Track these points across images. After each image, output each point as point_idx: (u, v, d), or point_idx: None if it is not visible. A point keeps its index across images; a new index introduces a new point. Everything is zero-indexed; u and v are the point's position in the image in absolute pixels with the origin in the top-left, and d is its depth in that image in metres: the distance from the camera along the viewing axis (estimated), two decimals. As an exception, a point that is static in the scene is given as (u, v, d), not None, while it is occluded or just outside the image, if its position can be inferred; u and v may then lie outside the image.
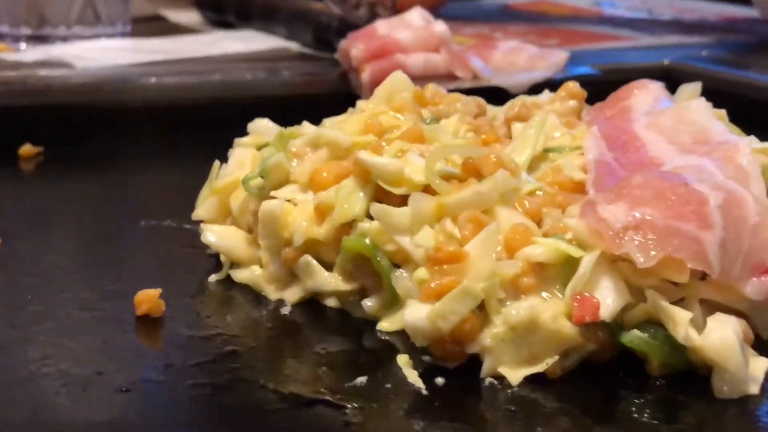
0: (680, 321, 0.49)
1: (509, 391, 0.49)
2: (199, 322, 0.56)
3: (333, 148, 0.61)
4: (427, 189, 0.56)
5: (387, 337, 0.55)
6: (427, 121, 0.67)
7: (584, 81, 0.88)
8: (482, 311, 0.51)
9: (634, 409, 0.49)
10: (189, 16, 1.42)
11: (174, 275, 0.63)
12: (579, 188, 0.58)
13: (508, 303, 0.51)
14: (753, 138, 0.65)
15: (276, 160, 0.61)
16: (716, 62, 1.16)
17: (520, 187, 0.57)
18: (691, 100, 0.72)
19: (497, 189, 0.55)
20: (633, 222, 0.51)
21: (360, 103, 0.69)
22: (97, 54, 1.09)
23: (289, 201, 0.60)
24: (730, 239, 0.52)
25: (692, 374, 0.50)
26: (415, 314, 0.50)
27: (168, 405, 0.48)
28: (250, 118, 0.72)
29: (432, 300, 0.50)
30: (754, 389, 0.49)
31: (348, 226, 0.57)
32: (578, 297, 0.50)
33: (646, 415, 0.48)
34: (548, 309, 0.50)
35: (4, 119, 0.90)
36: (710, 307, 0.52)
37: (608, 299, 0.50)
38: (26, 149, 0.89)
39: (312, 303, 0.59)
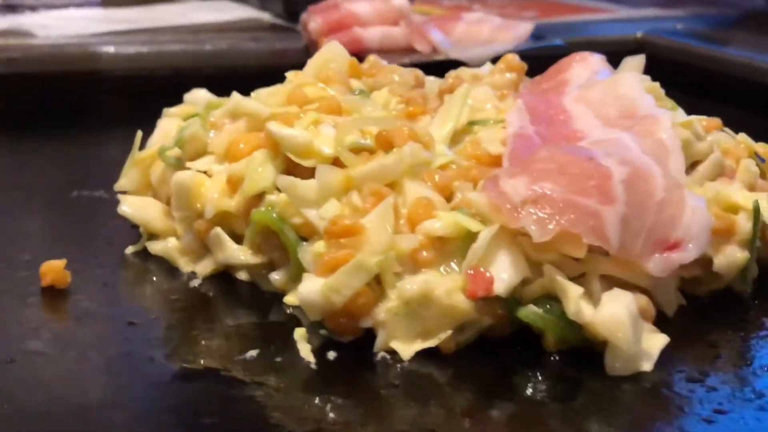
0: (572, 296, 0.49)
1: (399, 365, 0.49)
2: (104, 293, 0.56)
3: (251, 120, 0.60)
4: (338, 162, 0.56)
5: (292, 311, 0.54)
6: (356, 93, 0.66)
7: (550, 53, 0.88)
8: (380, 285, 0.51)
9: (528, 384, 0.48)
10: (168, -14, 1.41)
11: (91, 246, 0.62)
12: (496, 162, 0.58)
13: (406, 277, 0.50)
14: (679, 112, 0.64)
15: (192, 130, 0.60)
16: (691, 36, 1.15)
17: (432, 161, 0.56)
18: (633, 71, 0.71)
19: (403, 162, 0.54)
20: (532, 196, 0.50)
21: (289, 74, 0.68)
22: (64, 23, 1.09)
23: (205, 172, 0.59)
24: (634, 215, 0.51)
25: (589, 351, 0.50)
26: (309, 288, 0.50)
27: (53, 378, 0.47)
28: (211, 89, 0.71)
29: (327, 273, 0.50)
30: (647, 366, 0.48)
31: (258, 198, 0.56)
32: (471, 272, 0.49)
33: (539, 390, 0.47)
34: (442, 284, 0.50)
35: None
36: (614, 283, 0.51)
37: (504, 274, 0.50)
38: (-23, 119, 0.89)
39: (224, 276, 0.58)
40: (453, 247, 0.51)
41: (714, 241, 0.55)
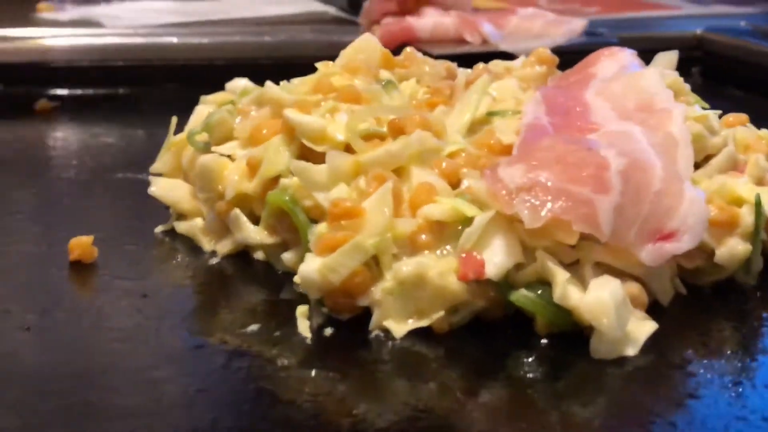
0: (559, 281, 0.50)
1: (392, 343, 0.51)
2: (128, 269, 0.59)
3: (275, 107, 0.63)
4: (350, 148, 0.58)
5: (301, 290, 0.56)
6: (383, 83, 0.68)
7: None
8: (378, 266, 0.53)
9: (516, 365, 0.50)
10: (242, -20, 1.45)
11: (124, 225, 0.66)
12: (508, 151, 0.59)
13: (403, 259, 0.52)
14: (695, 107, 0.65)
15: (219, 116, 0.63)
16: (753, 34, 1.14)
17: (442, 148, 0.58)
18: (666, 68, 0.72)
19: (409, 148, 0.56)
20: (527, 183, 0.52)
21: (320, 65, 0.70)
22: (134, 14, 1.13)
23: (229, 157, 0.62)
24: (629, 204, 0.52)
25: (578, 335, 0.51)
26: (309, 266, 0.52)
27: (62, 344, 0.50)
28: (269, 78, 0.74)
29: (326, 253, 0.52)
30: (632, 351, 0.50)
31: (275, 181, 0.59)
32: (463, 255, 0.51)
33: (526, 371, 0.49)
34: (436, 266, 0.51)
35: (23, 75, 0.94)
36: (610, 271, 0.53)
37: (496, 258, 0.51)
38: (42, 104, 0.93)
39: (243, 255, 0.61)
40: (451, 231, 0.53)
41: (716, 233, 0.56)
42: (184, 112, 0.69)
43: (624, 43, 1.03)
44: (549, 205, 0.51)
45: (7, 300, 0.54)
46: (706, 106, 0.67)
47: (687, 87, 0.68)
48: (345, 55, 0.71)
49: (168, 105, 0.94)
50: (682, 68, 0.71)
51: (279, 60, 1.02)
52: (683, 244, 0.52)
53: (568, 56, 0.80)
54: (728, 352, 0.51)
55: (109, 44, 1.01)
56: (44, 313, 0.53)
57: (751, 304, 0.56)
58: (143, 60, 1.01)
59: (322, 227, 0.54)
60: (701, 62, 1.12)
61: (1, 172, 0.77)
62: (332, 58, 0.72)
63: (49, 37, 1.00)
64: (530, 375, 0.49)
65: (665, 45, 0.81)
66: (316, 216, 0.57)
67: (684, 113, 0.61)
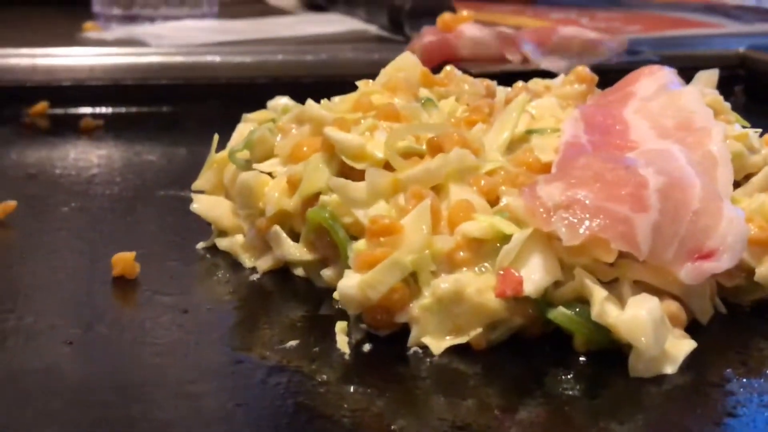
0: (597, 299, 0.50)
1: (429, 360, 0.51)
2: (170, 284, 0.60)
3: (315, 124, 0.63)
4: (389, 166, 0.58)
5: (340, 306, 0.57)
6: (422, 101, 0.68)
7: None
8: (417, 283, 0.53)
9: (554, 382, 0.50)
10: (287, 0, 1.46)
11: (166, 242, 0.67)
12: (546, 169, 0.59)
13: (442, 276, 0.53)
14: (735, 126, 0.64)
15: (260, 134, 0.64)
16: (796, 52, 1.14)
17: (481, 166, 0.58)
18: (706, 86, 0.72)
19: (448, 166, 0.56)
20: (565, 201, 0.52)
21: (360, 83, 0.71)
22: (178, 33, 1.14)
23: (270, 174, 0.63)
24: (667, 223, 0.52)
25: (617, 353, 0.51)
26: (348, 283, 0.53)
27: (105, 359, 0.51)
28: (310, 96, 0.75)
29: (365, 270, 0.53)
30: (670, 369, 0.50)
31: (315, 198, 0.59)
32: (501, 272, 0.51)
33: (564, 388, 0.49)
34: (474, 282, 0.52)
35: (68, 94, 0.96)
36: (649, 290, 0.53)
37: (534, 275, 0.51)
38: (87, 122, 0.94)
39: (283, 272, 0.61)
40: (489, 248, 0.53)
41: (756, 252, 0.56)
42: (226, 130, 0.70)
43: (665, 61, 1.03)
44: (587, 223, 0.51)
45: (52, 315, 0.55)
46: (747, 124, 0.67)
47: (727, 105, 0.68)
48: (385, 73, 0.71)
49: (210, 123, 0.95)
50: (725, 87, 0.71)
51: (320, 78, 1.03)
52: (722, 263, 0.52)
53: (609, 75, 0.81)
54: (767, 371, 0.50)
55: (153, 63, 1.02)
56: (87, 328, 0.54)
57: (791, 324, 0.56)
58: (186, 78, 1.02)
59: (361, 244, 0.54)
60: (744, 80, 1.12)
61: (47, 189, 0.78)
62: (373, 76, 0.72)
63: (94, 56, 1.02)
64: (568, 392, 0.49)
65: (707, 63, 0.81)
66: (355, 233, 0.57)
67: (723, 132, 0.61)
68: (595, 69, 0.93)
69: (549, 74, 0.94)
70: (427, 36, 1.02)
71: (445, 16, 1.05)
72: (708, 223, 0.53)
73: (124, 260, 0.60)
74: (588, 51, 1.01)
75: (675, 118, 0.64)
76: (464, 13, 1.06)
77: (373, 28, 1.22)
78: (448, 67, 0.78)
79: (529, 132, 0.64)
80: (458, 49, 0.97)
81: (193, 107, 1.01)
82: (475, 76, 0.89)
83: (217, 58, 1.03)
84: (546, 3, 1.49)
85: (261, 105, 0.77)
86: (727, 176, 0.58)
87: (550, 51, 1.01)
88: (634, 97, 0.69)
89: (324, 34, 1.18)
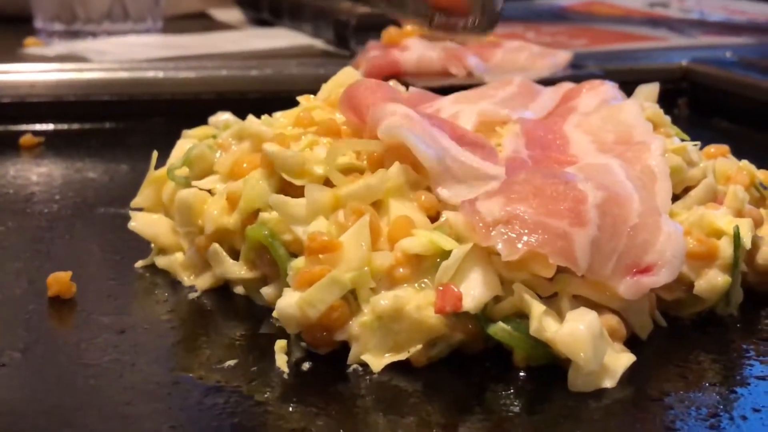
0: (535, 314, 0.50)
1: (369, 377, 0.51)
2: (107, 304, 0.59)
3: (255, 140, 0.63)
4: (329, 182, 0.58)
5: (281, 324, 0.56)
6: (365, 116, 0.68)
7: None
8: (357, 300, 0.53)
9: (494, 398, 0.49)
10: (232, 15, 1.46)
11: (103, 260, 0.66)
12: (487, 184, 0.59)
13: (382, 292, 0.52)
14: (674, 139, 0.65)
15: (198, 150, 0.63)
16: (738, 65, 1.15)
17: (421, 181, 0.58)
18: (647, 100, 0.72)
19: (387, 182, 0.56)
20: (504, 216, 0.52)
21: (301, 98, 0.71)
22: (121, 49, 1.13)
23: (209, 191, 0.62)
24: (606, 238, 0.52)
25: (558, 367, 0.51)
26: (287, 301, 0.52)
27: (38, 381, 0.50)
28: (255, 112, 0.74)
29: (303, 288, 0.52)
30: (610, 383, 0.50)
31: (255, 215, 0.59)
32: (440, 288, 0.51)
33: (504, 405, 0.49)
34: (414, 299, 0.51)
35: (8, 110, 0.94)
36: (589, 305, 0.52)
37: (474, 291, 0.51)
38: (27, 139, 0.93)
39: (223, 290, 0.61)
40: (429, 264, 0.53)
41: (695, 265, 0.56)
42: (170, 147, 0.69)
43: (610, 75, 1.03)
44: (525, 238, 0.51)
45: (-16, 336, 0.54)
46: (686, 137, 0.68)
47: (667, 119, 0.69)
48: (326, 88, 0.71)
49: (154, 139, 0.94)
50: (669, 99, 0.72)
51: (266, 94, 1.02)
52: (661, 277, 0.52)
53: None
54: (706, 384, 0.51)
55: (95, 79, 1.01)
56: (20, 350, 0.53)
57: (731, 335, 0.56)
58: (129, 94, 1.01)
59: (299, 261, 0.54)
60: (688, 93, 1.13)
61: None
62: (318, 91, 0.72)
63: (35, 72, 1.01)
64: (508, 408, 0.49)
65: (651, 76, 0.81)
66: (295, 250, 0.57)
67: (662, 146, 0.61)
68: (540, 83, 0.94)
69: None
70: (372, 51, 1.02)
71: (391, 31, 1.05)
72: (646, 237, 0.53)
73: (60, 280, 0.59)
74: (533, 65, 1.01)
75: (615, 132, 0.65)
76: (409, 28, 1.06)
77: (319, 43, 1.21)
78: (391, 82, 0.77)
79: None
80: (403, 63, 0.97)
81: (137, 124, 1.00)
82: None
83: (160, 74, 1.02)
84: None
85: (205, 121, 0.76)
86: (665, 191, 0.59)
87: (494, 65, 1.01)
88: (575, 111, 0.69)
89: (270, 49, 1.17)
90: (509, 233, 0.51)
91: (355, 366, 0.52)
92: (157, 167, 0.67)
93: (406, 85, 0.82)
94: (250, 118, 0.67)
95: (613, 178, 0.57)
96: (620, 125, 0.65)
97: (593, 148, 0.63)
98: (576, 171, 0.58)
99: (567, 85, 0.72)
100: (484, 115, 0.65)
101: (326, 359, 0.52)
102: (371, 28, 1.12)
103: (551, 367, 0.51)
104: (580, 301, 0.53)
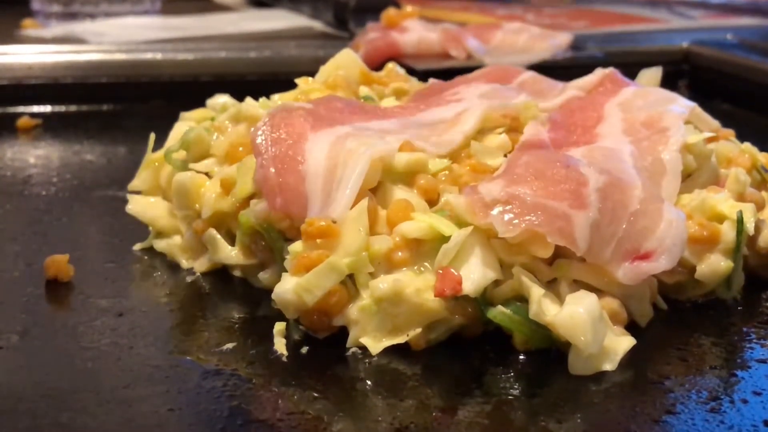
0: (534, 297, 0.50)
1: (368, 360, 0.50)
2: (105, 287, 0.59)
3: (252, 123, 0.62)
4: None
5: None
6: (362, 99, 0.68)
7: (586, 63, 0.89)
8: (355, 285, 0.52)
9: (494, 381, 0.49)
10: (232, -4, 1.45)
11: (102, 243, 0.65)
12: (493, 171, 0.58)
13: (381, 277, 0.52)
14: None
15: (196, 133, 0.63)
16: (739, 47, 1.14)
17: (422, 166, 0.57)
18: (650, 84, 0.72)
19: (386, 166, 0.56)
20: (504, 197, 0.52)
21: (299, 80, 0.70)
22: (119, 31, 1.13)
23: (207, 174, 0.62)
24: (606, 222, 0.52)
25: (557, 350, 0.51)
26: (284, 287, 0.52)
27: (36, 365, 0.50)
28: (254, 94, 0.74)
29: (301, 273, 0.52)
30: (610, 367, 0.49)
31: (249, 200, 0.58)
32: (441, 271, 0.51)
33: (504, 387, 0.48)
34: (413, 283, 0.51)
35: (6, 92, 0.94)
36: (590, 290, 0.52)
37: (474, 274, 0.51)
38: (24, 121, 0.93)
39: (221, 272, 0.60)
40: (428, 248, 0.53)
41: (697, 250, 0.56)
42: (168, 129, 0.69)
43: (610, 57, 1.03)
44: (525, 217, 0.51)
45: (-19, 318, 0.54)
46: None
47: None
48: (324, 71, 0.71)
49: (152, 122, 0.94)
50: (670, 82, 0.71)
51: (264, 76, 1.02)
52: (659, 264, 0.52)
53: (554, 71, 0.80)
54: (707, 367, 0.50)
55: (93, 60, 1.01)
56: (18, 333, 0.52)
57: (732, 319, 0.56)
58: (127, 76, 1.01)
59: (297, 246, 0.53)
60: (688, 75, 1.12)
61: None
62: (316, 73, 0.72)
63: (32, 53, 1.00)
64: (508, 391, 0.48)
65: (652, 59, 0.81)
66: (293, 236, 0.56)
67: (681, 140, 0.60)
68: (540, 65, 0.94)
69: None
70: (371, 32, 1.01)
71: (390, 12, 1.04)
72: (647, 224, 0.53)
73: (57, 263, 0.58)
74: (532, 47, 1.00)
75: (647, 111, 0.64)
76: (409, 9, 1.06)
77: (318, 25, 1.21)
78: (390, 65, 0.77)
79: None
80: (402, 45, 0.97)
81: (135, 106, 1.00)
82: (419, 72, 0.89)
83: (159, 56, 1.02)
84: (492, -1, 1.50)
85: (203, 103, 0.76)
86: (674, 186, 0.58)
87: (494, 47, 1.00)
88: (627, 87, 0.69)
89: (268, 31, 1.17)
90: (507, 212, 0.51)
91: (354, 349, 0.51)
92: (155, 150, 0.66)
93: (406, 67, 0.82)
94: (248, 100, 0.67)
95: (619, 164, 0.57)
96: (655, 105, 0.64)
97: (620, 128, 0.62)
98: (584, 155, 0.58)
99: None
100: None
101: (325, 342, 0.52)
102: (370, 9, 1.11)
103: (551, 350, 0.51)
104: (579, 286, 0.52)
